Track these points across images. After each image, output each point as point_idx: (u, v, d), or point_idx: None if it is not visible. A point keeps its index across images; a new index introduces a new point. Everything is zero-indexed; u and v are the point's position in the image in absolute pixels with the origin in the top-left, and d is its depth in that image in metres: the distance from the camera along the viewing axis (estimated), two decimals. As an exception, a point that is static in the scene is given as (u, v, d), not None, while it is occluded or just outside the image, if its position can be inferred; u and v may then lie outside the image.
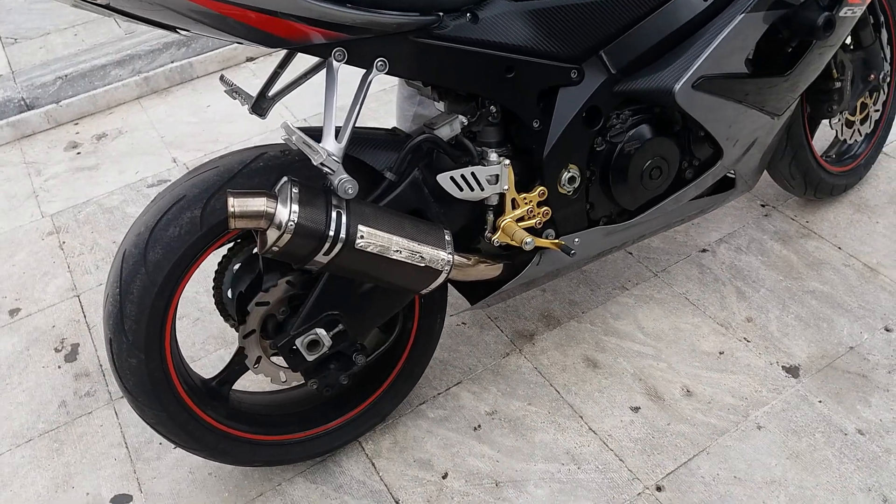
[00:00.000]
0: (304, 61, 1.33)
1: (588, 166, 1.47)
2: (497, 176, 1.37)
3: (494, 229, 1.42)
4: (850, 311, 1.77)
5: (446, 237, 1.31)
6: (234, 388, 1.50)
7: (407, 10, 1.23)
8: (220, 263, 1.41)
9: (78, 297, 2.05)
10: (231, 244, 1.40)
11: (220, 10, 1.06)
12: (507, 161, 1.37)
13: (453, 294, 1.86)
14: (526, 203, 1.42)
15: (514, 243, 1.40)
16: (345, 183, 1.18)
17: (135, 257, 1.24)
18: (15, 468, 1.64)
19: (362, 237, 1.19)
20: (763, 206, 2.08)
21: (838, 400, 1.59)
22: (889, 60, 1.99)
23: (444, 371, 1.74)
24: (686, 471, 1.50)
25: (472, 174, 1.34)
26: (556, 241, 1.45)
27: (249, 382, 1.69)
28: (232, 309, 1.41)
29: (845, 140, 2.00)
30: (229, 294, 1.42)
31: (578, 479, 1.50)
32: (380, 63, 1.24)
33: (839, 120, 1.91)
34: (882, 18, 1.90)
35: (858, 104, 1.95)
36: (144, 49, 2.86)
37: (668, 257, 1.95)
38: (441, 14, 1.27)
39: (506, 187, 1.38)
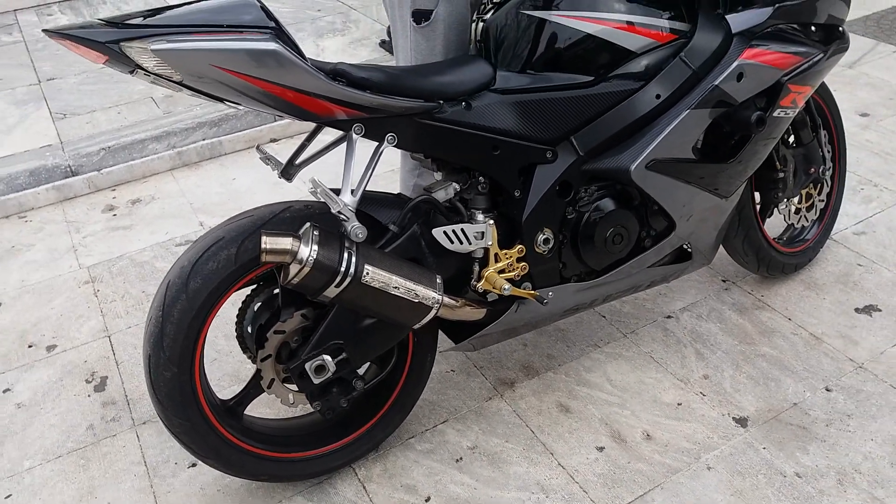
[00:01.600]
0: (326, 136, 1.62)
1: (560, 230, 1.74)
2: (483, 233, 1.63)
3: (479, 278, 1.67)
4: (796, 372, 2.00)
5: (437, 280, 1.56)
6: (246, 413, 1.72)
7: (414, 97, 1.53)
8: (242, 303, 1.66)
9: (109, 337, 2.29)
10: (253, 286, 1.65)
11: (268, 89, 1.35)
12: (492, 221, 1.64)
13: (445, 343, 2.10)
14: (507, 258, 1.68)
15: (494, 290, 1.66)
16: (356, 229, 1.45)
17: (177, 286, 1.49)
18: (45, 479, 1.83)
19: (367, 274, 1.45)
20: (724, 281, 2.33)
21: (780, 447, 1.80)
22: (831, 157, 2.30)
23: (432, 411, 1.95)
24: (641, 502, 1.69)
25: (462, 230, 1.61)
26: (532, 291, 1.70)
27: (260, 410, 1.91)
28: (251, 341, 1.64)
29: (793, 224, 2.27)
30: (249, 329, 1.66)
31: (546, 505, 1.69)
32: (390, 137, 1.52)
33: (786, 206, 2.19)
34: (820, 121, 2.21)
35: (803, 194, 2.23)
36: (179, 127, 3.21)
37: (636, 321, 2.19)
38: (441, 101, 1.57)
39: (489, 243, 1.64)
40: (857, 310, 2.19)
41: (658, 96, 1.67)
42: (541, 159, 1.68)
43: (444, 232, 1.59)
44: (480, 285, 1.67)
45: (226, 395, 1.98)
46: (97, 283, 2.53)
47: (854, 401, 1.90)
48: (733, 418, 1.88)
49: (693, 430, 1.85)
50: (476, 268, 1.68)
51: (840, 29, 1.91)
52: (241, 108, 1.43)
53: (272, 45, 1.30)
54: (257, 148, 1.75)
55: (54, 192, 3.02)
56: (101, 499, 1.78)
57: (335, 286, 1.44)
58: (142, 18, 1.31)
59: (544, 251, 1.73)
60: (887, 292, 2.24)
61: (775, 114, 1.80)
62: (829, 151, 2.28)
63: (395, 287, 1.48)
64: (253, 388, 1.68)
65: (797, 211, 2.24)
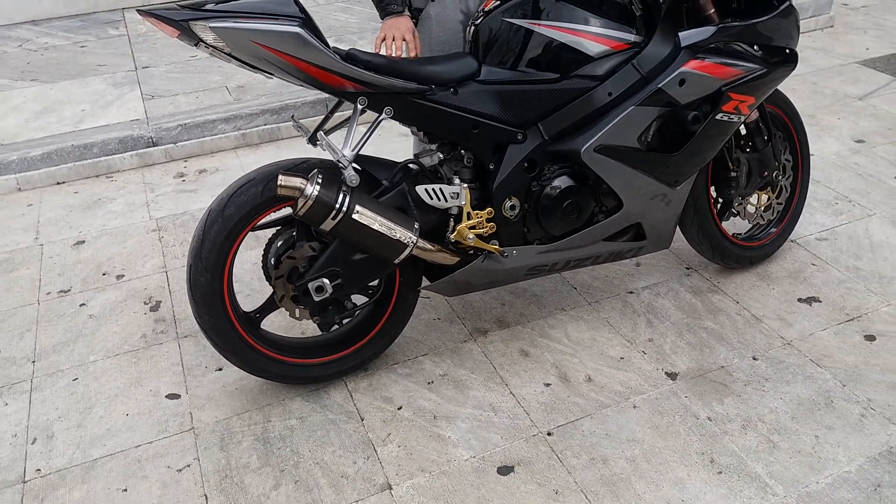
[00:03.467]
0: (346, 112, 2.06)
1: (526, 200, 2.12)
2: (458, 194, 2.03)
3: (453, 231, 2.07)
4: (730, 343, 2.31)
5: (415, 226, 1.97)
6: (263, 327, 2.16)
7: (410, 80, 1.95)
8: (267, 242, 2.10)
9: (166, 272, 2.78)
10: (275, 229, 2.09)
11: (293, 62, 1.79)
12: (465, 185, 2.04)
13: (436, 298, 2.50)
14: (477, 217, 2.07)
15: (463, 241, 2.05)
16: (351, 176, 1.88)
17: (216, 212, 1.95)
18: (104, 370, 2.32)
19: (357, 211, 1.87)
20: (687, 268, 2.66)
21: (700, 397, 2.12)
22: (791, 167, 2.60)
23: (416, 346, 2.35)
24: (572, 426, 2.04)
25: (440, 189, 2.01)
26: (493, 246, 2.09)
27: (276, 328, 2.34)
28: (271, 268, 2.09)
29: (758, 223, 2.58)
30: (272, 260, 2.10)
31: (493, 420, 2.07)
32: (387, 110, 1.95)
33: (741, 204, 2.51)
34: (779, 132, 2.52)
35: (760, 195, 2.55)
36: (246, 112, 3.73)
37: (602, 293, 2.55)
38: (433, 86, 1.98)
39: (463, 202, 2.04)
40: (799, 300, 2.48)
41: (610, 94, 2.05)
42: (512, 140, 2.08)
43: (426, 189, 2.00)
44: (453, 236, 2.07)
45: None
46: (162, 232, 3.04)
47: (775, 369, 2.21)
48: (665, 373, 2.21)
49: (628, 378, 2.19)
50: (452, 222, 2.08)
51: (787, 50, 2.24)
52: (273, 77, 1.88)
53: (296, 29, 1.74)
54: (292, 118, 2.21)
55: (137, 159, 3.57)
56: (145, 387, 2.25)
57: (331, 219, 1.86)
58: (212, 4, 1.78)
59: (511, 215, 2.11)
60: (831, 288, 2.52)
61: (717, 117, 2.14)
62: (788, 161, 2.58)
63: (379, 224, 1.90)
64: (269, 304, 2.12)
65: (754, 209, 2.55)
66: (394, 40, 2.19)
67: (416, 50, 2.23)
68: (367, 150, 2.10)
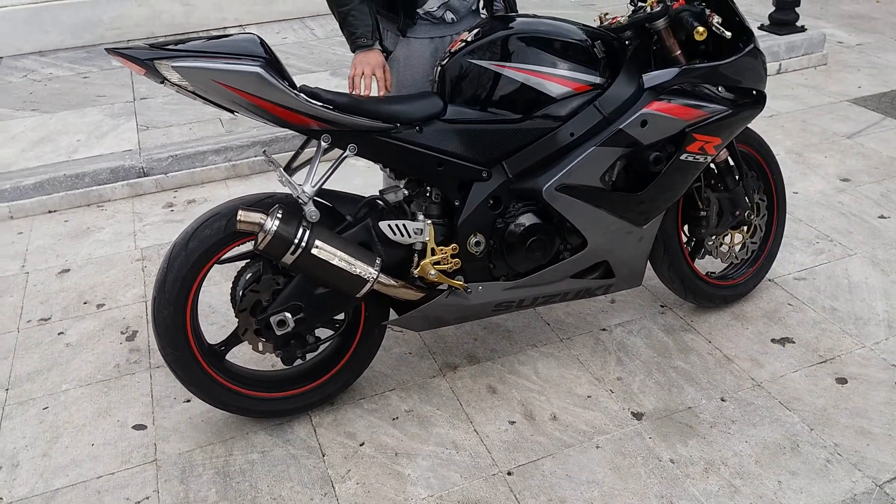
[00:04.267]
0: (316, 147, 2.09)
1: (491, 237, 2.13)
2: (421, 230, 2.05)
3: (417, 266, 2.08)
4: (700, 384, 2.30)
5: (377, 261, 1.98)
6: (228, 359, 2.17)
7: (375, 118, 1.98)
8: (236, 274, 2.12)
9: (146, 302, 2.81)
10: (244, 262, 2.11)
11: (253, 101, 1.83)
12: (430, 221, 2.06)
13: (409, 332, 2.51)
14: (442, 252, 2.09)
15: (426, 277, 2.06)
16: (311, 212, 1.90)
17: (180, 245, 1.98)
18: (75, 399, 2.33)
19: (316, 247, 1.89)
20: (662, 306, 2.65)
21: (664, 438, 2.10)
22: (766, 206, 2.60)
23: (384, 380, 2.35)
24: (533, 466, 2.03)
25: (404, 225, 2.03)
26: (457, 281, 2.10)
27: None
28: (238, 301, 2.11)
29: (732, 262, 2.57)
30: (240, 292, 2.12)
31: (454, 458, 2.06)
32: (351, 147, 1.97)
33: (713, 243, 2.50)
34: (753, 172, 2.53)
35: (734, 234, 2.54)
36: (237, 144, 3.78)
37: (575, 329, 2.54)
38: (398, 124, 2.01)
39: (427, 239, 2.06)
40: (773, 340, 2.46)
41: (572, 134, 2.07)
42: (477, 177, 2.09)
43: (389, 225, 2.02)
44: (416, 272, 2.08)
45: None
46: (146, 261, 3.07)
47: (742, 411, 2.19)
48: (631, 412, 2.20)
49: (594, 418, 2.18)
50: (416, 258, 2.09)
51: (755, 92, 2.25)
52: (239, 115, 1.92)
53: (255, 69, 1.78)
54: (264, 152, 2.24)
55: (128, 188, 3.62)
56: (113, 417, 2.26)
57: (290, 254, 1.88)
58: (174, 45, 1.83)
59: (476, 252, 2.12)
60: (806, 329, 2.50)
61: (682, 157, 2.15)
62: (763, 200, 2.58)
63: (339, 260, 1.92)
64: (234, 337, 2.13)
65: (727, 249, 2.55)
66: (363, 76, 2.22)
67: (387, 84, 2.25)
68: (338, 183, 2.12)
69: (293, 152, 2.15)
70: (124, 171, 3.63)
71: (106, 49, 1.86)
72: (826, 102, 4.37)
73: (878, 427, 2.11)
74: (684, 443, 2.09)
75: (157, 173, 3.68)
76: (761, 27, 5.14)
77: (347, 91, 2.15)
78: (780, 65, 4.87)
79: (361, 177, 3.45)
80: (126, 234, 3.30)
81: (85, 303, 2.82)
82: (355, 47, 2.26)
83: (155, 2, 5.74)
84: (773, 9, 5.11)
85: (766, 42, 4.87)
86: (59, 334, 2.65)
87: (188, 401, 2.29)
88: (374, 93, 2.23)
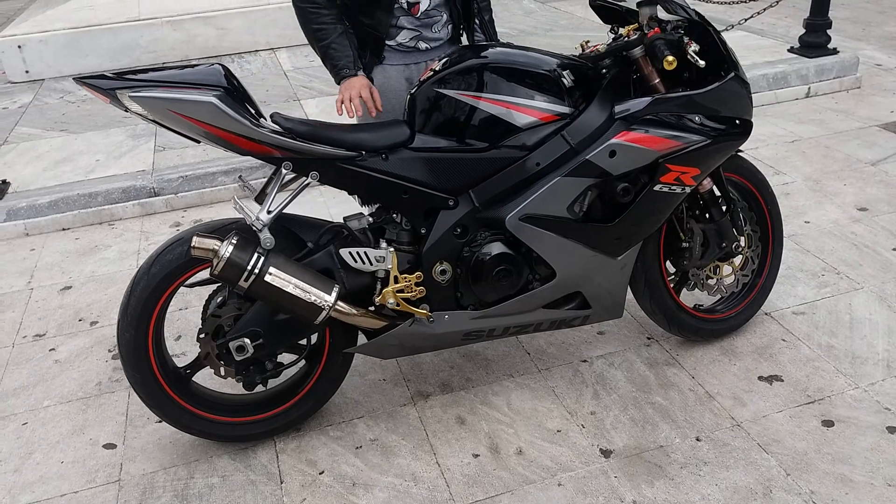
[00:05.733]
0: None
1: (457, 265, 2.10)
2: (384, 257, 2.03)
3: (379, 294, 2.06)
4: (676, 422, 2.21)
5: (335, 289, 1.97)
6: (196, 382, 2.18)
7: (338, 146, 1.98)
8: (206, 299, 2.14)
9: (137, 321, 2.85)
10: (216, 286, 2.13)
11: (210, 130, 1.85)
12: (392, 249, 2.04)
13: (392, 364, 2.48)
14: (405, 280, 2.06)
15: (388, 305, 2.04)
16: (266, 239, 1.91)
17: (144, 270, 2.00)
18: (54, 416, 2.38)
19: (270, 274, 1.89)
20: (648, 338, 2.57)
21: (630, 478, 2.02)
22: (759, 238, 2.50)
23: (354, 407, 2.33)
24: (490, 501, 1.98)
25: (365, 253, 2.02)
26: (419, 310, 2.07)
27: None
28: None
29: (723, 294, 2.48)
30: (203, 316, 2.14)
31: (411, 491, 2.02)
32: (313, 174, 1.98)
33: (697, 275, 2.42)
34: (746, 204, 2.44)
35: (722, 267, 2.45)
36: (246, 165, 3.84)
37: (554, 360, 2.48)
38: (363, 152, 2.01)
39: (389, 266, 2.04)
40: (760, 377, 2.35)
41: (538, 164, 2.03)
42: (444, 206, 2.07)
43: (350, 252, 2.01)
44: (378, 300, 2.06)
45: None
46: (144, 280, 3.13)
47: (717, 452, 2.09)
48: (600, 449, 2.12)
49: (560, 453, 2.11)
50: (378, 286, 2.07)
51: (737, 121, 2.17)
52: (201, 143, 1.94)
53: (210, 98, 1.80)
54: (239, 178, 2.27)
55: (138, 208, 3.72)
56: (87, 435, 2.30)
57: (244, 280, 1.89)
58: (135, 74, 1.86)
59: (442, 280, 2.09)
60: (797, 367, 2.39)
61: (656, 188, 2.09)
62: (755, 232, 2.49)
63: (294, 287, 1.91)
64: (198, 361, 2.14)
65: (714, 282, 2.46)
66: (350, 100, 2.21)
67: (377, 104, 2.25)
68: (347, 204, 2.13)
69: (266, 178, 2.17)
70: (135, 191, 3.72)
71: (73, 79, 1.90)
72: (854, 127, 4.20)
73: (860, 474, 1.99)
74: (650, 483, 2.00)
75: (167, 193, 3.76)
76: (790, 50, 4.99)
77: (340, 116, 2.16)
78: (808, 88, 4.71)
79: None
80: (131, 252, 3.38)
81: (80, 320, 2.89)
82: (339, 78, 2.26)
83: (189, 26, 5.92)
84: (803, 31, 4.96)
85: (794, 65, 4.74)
86: (49, 350, 2.71)
87: (160, 421, 2.31)
88: (364, 116, 2.24)
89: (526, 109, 2.02)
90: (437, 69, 2.08)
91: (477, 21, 2.39)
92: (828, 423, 2.17)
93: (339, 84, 2.30)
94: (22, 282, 3.19)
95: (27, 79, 5.68)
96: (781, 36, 5.54)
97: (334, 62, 2.26)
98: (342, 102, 2.25)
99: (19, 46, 5.63)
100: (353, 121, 2.27)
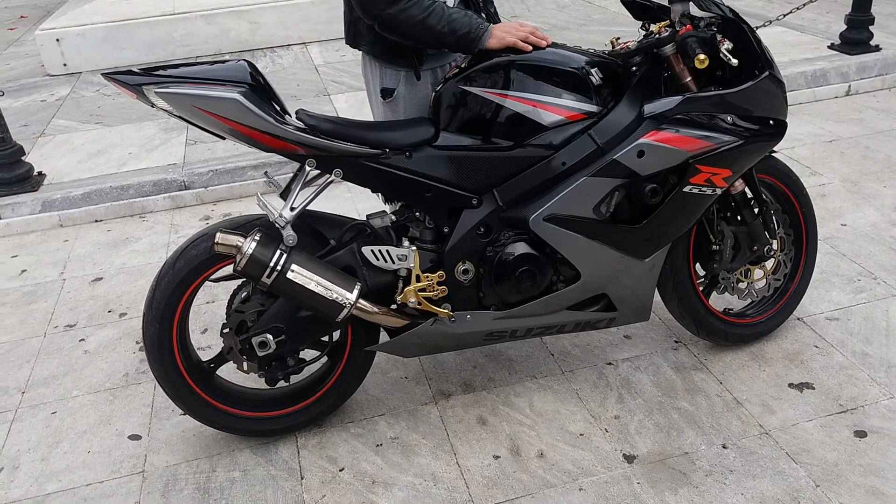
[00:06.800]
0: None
1: (480, 265, 2.08)
2: (406, 256, 2.02)
3: (401, 293, 2.05)
4: (702, 428, 2.16)
5: (357, 286, 1.96)
6: (219, 376, 2.20)
7: (362, 144, 1.97)
8: (231, 294, 2.15)
9: (165, 313, 2.89)
10: (241, 281, 2.14)
11: (234, 127, 1.85)
12: (414, 248, 2.03)
13: (414, 362, 2.48)
14: (427, 280, 2.05)
15: (409, 303, 2.03)
16: (289, 236, 1.91)
17: (169, 264, 2.02)
18: (82, 406, 2.42)
19: (292, 271, 1.89)
20: (676, 342, 2.52)
21: (653, 485, 1.99)
22: (792, 241, 2.44)
23: (376, 405, 2.33)
24: (510, 503, 1.96)
25: (387, 251, 2.01)
26: (441, 309, 2.06)
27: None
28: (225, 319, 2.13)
29: (754, 298, 2.42)
30: (228, 311, 2.15)
31: (431, 491, 2.01)
32: (337, 172, 1.97)
33: (728, 278, 2.36)
34: (780, 207, 2.38)
35: (754, 270, 2.39)
36: (274, 161, 3.86)
37: (579, 362, 2.45)
38: (387, 150, 2.00)
39: (412, 265, 2.03)
40: (790, 385, 2.30)
41: (564, 163, 1.99)
42: (467, 204, 2.05)
43: (372, 250, 2.00)
44: (400, 298, 2.05)
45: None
46: (173, 273, 3.16)
47: (744, 460, 2.04)
48: (623, 454, 2.09)
49: (582, 457, 2.08)
50: (401, 284, 2.06)
51: (771, 122, 2.11)
52: (225, 139, 1.95)
53: (234, 95, 1.80)
54: (265, 173, 2.27)
55: (169, 201, 3.76)
56: (113, 425, 2.33)
57: (266, 277, 1.89)
58: (162, 70, 1.87)
59: (464, 280, 2.08)
60: (830, 374, 2.32)
61: (685, 189, 2.04)
62: (789, 234, 2.42)
63: (316, 284, 1.91)
64: (221, 356, 2.15)
65: (745, 285, 2.40)
66: (525, 32, 2.00)
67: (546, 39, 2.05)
68: (371, 201, 2.12)
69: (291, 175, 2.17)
70: (166, 184, 3.76)
71: (102, 74, 1.92)
72: (895, 127, 4.08)
73: (892, 487, 1.93)
74: (674, 491, 1.97)
75: (197, 187, 3.80)
76: (831, 46, 4.87)
77: (526, 51, 2.00)
78: (849, 86, 4.59)
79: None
80: (160, 245, 3.42)
81: (109, 311, 2.93)
82: (481, 31, 1.99)
83: (223, 20, 5.96)
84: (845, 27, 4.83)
85: (834, 62, 4.61)
86: (80, 341, 2.75)
87: (184, 414, 2.33)
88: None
89: (552, 108, 1.98)
90: (462, 66, 2.06)
91: (483, 16, 2.33)
92: (860, 434, 2.10)
93: (485, 41, 1.99)
94: (55, 272, 3.24)
95: (65, 72, 5.78)
96: (822, 32, 5.39)
97: (466, 27, 1.98)
98: (525, 40, 2.00)
99: (58, 40, 5.73)
100: (389, 117, 2.23)
